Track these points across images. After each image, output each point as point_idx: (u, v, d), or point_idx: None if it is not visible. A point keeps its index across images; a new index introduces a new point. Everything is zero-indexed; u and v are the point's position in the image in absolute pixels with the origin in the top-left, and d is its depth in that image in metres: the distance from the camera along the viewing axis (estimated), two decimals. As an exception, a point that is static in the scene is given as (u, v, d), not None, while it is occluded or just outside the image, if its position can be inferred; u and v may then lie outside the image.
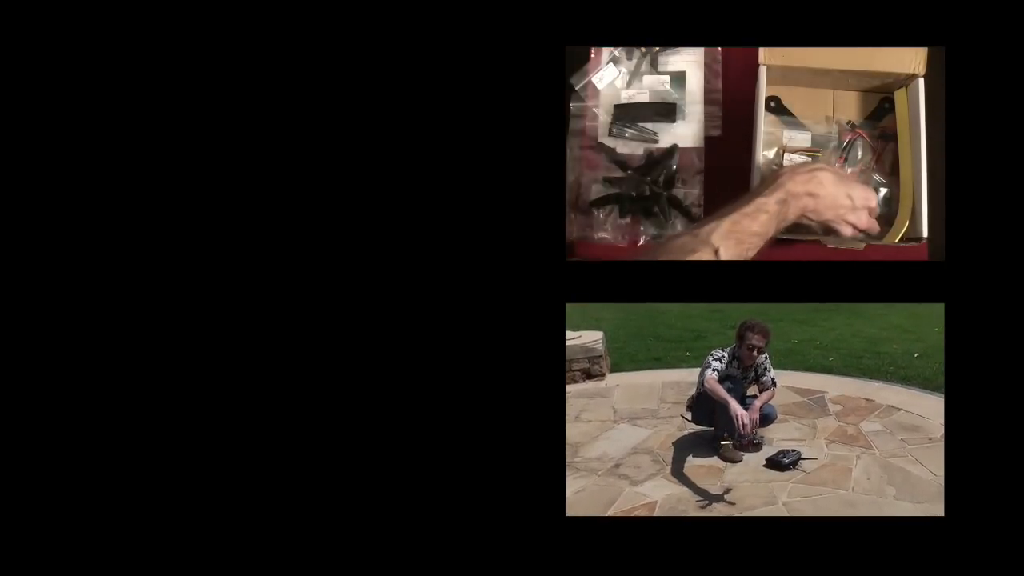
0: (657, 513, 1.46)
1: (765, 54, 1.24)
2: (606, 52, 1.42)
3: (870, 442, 1.76)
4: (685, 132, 1.37)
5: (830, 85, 1.31)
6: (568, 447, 1.71)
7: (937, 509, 1.15)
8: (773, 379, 1.78)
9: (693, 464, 1.69)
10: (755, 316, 1.79)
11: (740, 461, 1.68)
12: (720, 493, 1.53)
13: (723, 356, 1.75)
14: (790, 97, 1.32)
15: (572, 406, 2.07)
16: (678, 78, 1.40)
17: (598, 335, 2.47)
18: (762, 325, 1.75)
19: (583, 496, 1.56)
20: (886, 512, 1.41)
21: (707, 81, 1.39)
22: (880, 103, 1.30)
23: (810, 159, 1.26)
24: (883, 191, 1.23)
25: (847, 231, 1.08)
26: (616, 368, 2.58)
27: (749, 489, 1.54)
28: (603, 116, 1.40)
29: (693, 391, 1.84)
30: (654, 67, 1.41)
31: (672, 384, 2.34)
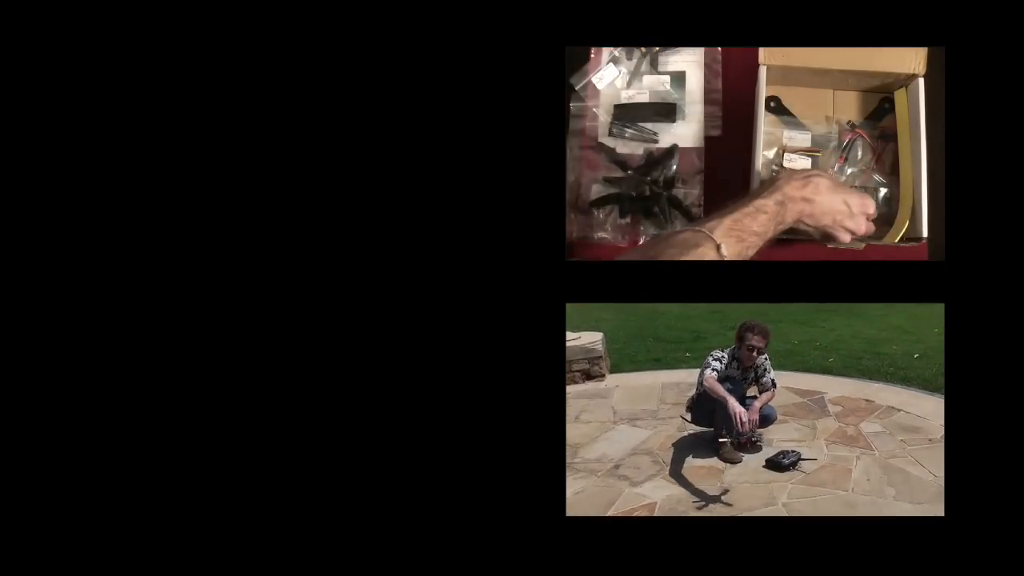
0: (657, 514, 1.46)
1: (765, 54, 1.24)
2: (606, 52, 1.42)
3: (870, 443, 1.76)
4: (685, 132, 1.37)
5: (830, 85, 1.31)
6: (568, 448, 1.71)
7: (937, 510, 1.15)
8: (773, 380, 1.78)
9: (693, 465, 1.68)
10: (755, 317, 1.79)
11: (740, 462, 1.68)
12: (719, 494, 1.52)
13: (723, 357, 1.75)
14: (790, 97, 1.32)
15: (572, 407, 2.07)
16: (678, 78, 1.41)
17: (598, 336, 2.47)
18: (762, 326, 1.75)
19: (583, 497, 1.55)
20: (886, 513, 1.41)
21: (707, 81, 1.40)
22: (880, 103, 1.30)
23: (810, 162, 1.26)
24: (883, 191, 1.23)
25: (845, 237, 1.08)
26: (616, 369, 2.58)
27: (749, 490, 1.54)
28: (603, 116, 1.40)
29: (693, 392, 1.84)
30: (654, 67, 1.42)
31: (672, 385, 2.34)
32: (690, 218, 1.30)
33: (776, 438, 1.80)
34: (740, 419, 1.63)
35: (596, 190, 1.35)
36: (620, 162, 1.36)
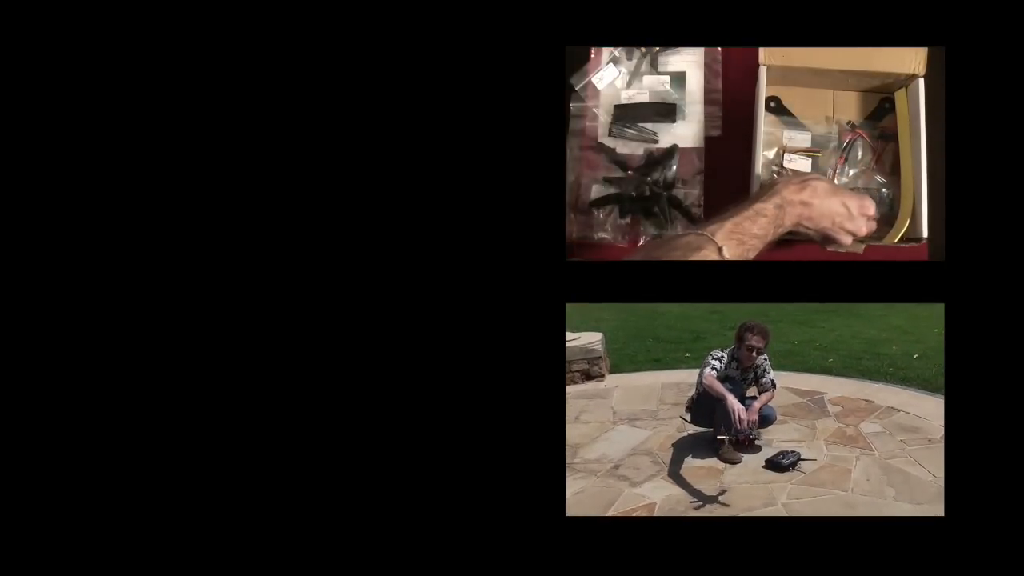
0: (656, 514, 1.46)
1: (765, 54, 1.24)
2: (606, 52, 1.42)
3: (869, 443, 1.76)
4: (685, 132, 1.37)
5: (830, 85, 1.31)
6: (568, 448, 1.71)
7: (937, 510, 1.15)
8: (772, 380, 1.78)
9: (692, 465, 1.68)
10: (755, 317, 1.79)
11: (739, 462, 1.68)
12: (718, 494, 1.52)
13: (722, 357, 1.75)
14: (790, 97, 1.32)
15: (571, 407, 2.07)
16: (678, 78, 1.40)
17: (597, 336, 2.47)
18: (761, 326, 1.75)
19: (583, 497, 1.55)
20: (885, 513, 1.41)
21: (707, 81, 1.40)
22: (880, 103, 1.30)
23: (810, 162, 1.26)
24: (883, 191, 1.23)
25: (846, 239, 1.08)
26: (615, 369, 2.58)
27: (748, 490, 1.54)
28: (603, 116, 1.40)
29: (692, 392, 1.84)
30: (654, 67, 1.42)
31: (671, 385, 2.34)
32: (690, 218, 1.30)
33: (776, 438, 1.79)
34: (738, 416, 1.63)
35: (596, 190, 1.35)
36: (620, 162, 1.36)
